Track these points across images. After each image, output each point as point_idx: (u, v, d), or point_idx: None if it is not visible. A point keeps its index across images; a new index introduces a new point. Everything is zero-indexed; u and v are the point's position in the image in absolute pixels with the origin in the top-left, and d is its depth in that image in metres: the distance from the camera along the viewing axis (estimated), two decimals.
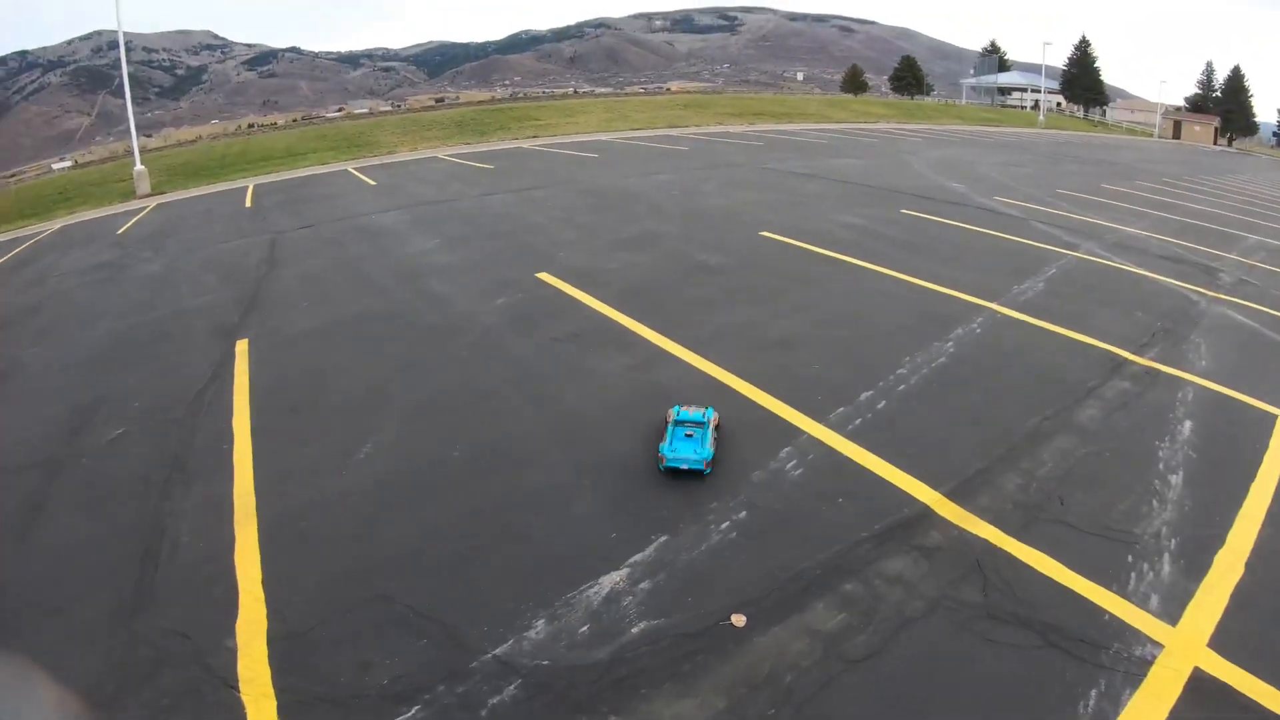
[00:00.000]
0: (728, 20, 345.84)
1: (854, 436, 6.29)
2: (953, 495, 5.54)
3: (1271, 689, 4.02)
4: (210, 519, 5.84)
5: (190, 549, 5.53)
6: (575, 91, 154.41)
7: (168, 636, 4.66)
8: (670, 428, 6.07)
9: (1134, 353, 8.47)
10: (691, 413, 6.19)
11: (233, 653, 4.44)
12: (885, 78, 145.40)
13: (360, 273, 12.32)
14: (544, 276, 10.81)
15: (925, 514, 5.31)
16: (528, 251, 12.43)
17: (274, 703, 4.10)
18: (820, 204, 16.78)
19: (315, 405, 7.55)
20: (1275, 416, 7.30)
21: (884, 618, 4.36)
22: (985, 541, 5.03)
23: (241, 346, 9.43)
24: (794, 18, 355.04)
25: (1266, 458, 6.46)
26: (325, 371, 8.41)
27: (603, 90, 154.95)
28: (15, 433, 8.36)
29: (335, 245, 14.73)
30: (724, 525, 5.10)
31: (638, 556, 4.84)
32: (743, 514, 5.22)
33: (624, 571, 4.72)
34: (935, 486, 5.62)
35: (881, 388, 7.18)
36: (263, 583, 5.00)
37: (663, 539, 4.99)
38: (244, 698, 4.15)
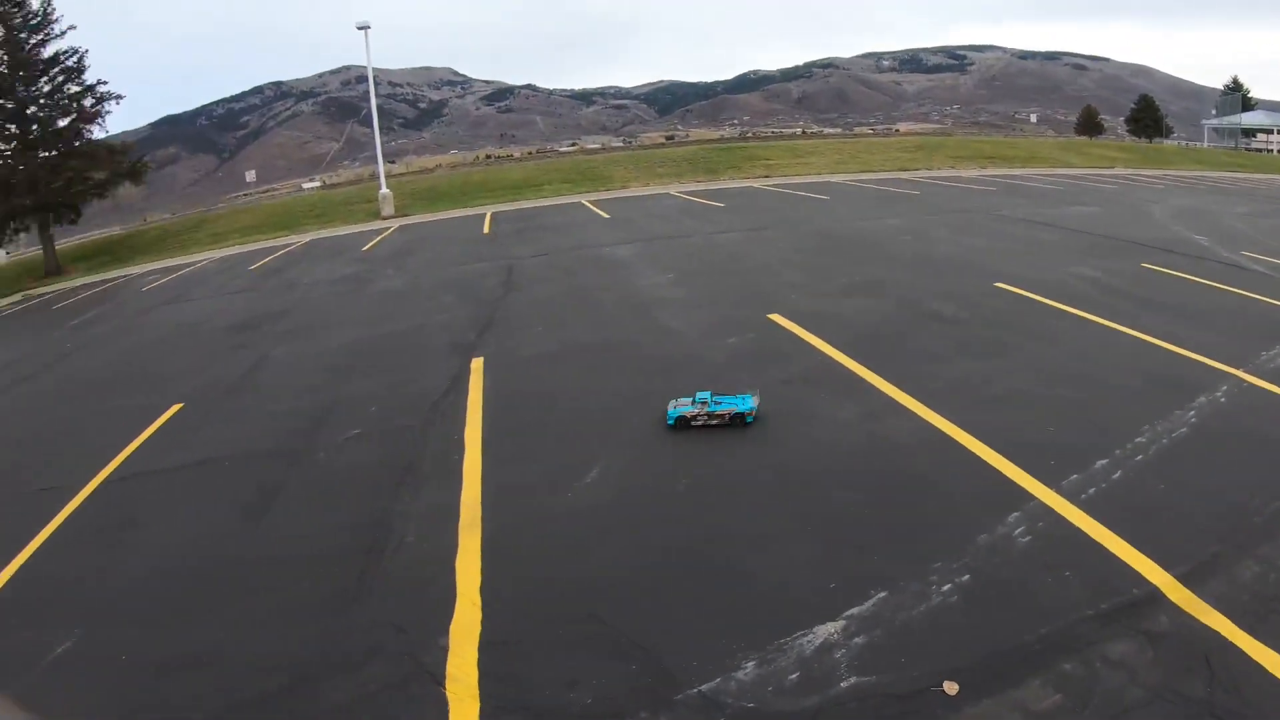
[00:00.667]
0: (956, 59, 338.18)
1: (1086, 507, 5.85)
2: (1186, 579, 5.00)
3: None
4: (436, 523, 6.08)
5: (414, 549, 5.77)
6: (804, 132, 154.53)
7: (383, 628, 4.87)
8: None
9: None
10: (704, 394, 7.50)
11: (444, 651, 4.58)
12: (1121, 119, 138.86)
13: (593, 302, 12.62)
14: (775, 317, 10.67)
15: (1155, 597, 4.83)
16: (759, 291, 12.35)
17: (478, 705, 4.17)
18: (1055, 254, 16.01)
19: (545, 426, 7.75)
20: None
21: (1101, 703, 3.98)
22: (1216, 633, 4.51)
23: (477, 364, 9.80)
24: (1024, 55, 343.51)
25: None
26: (556, 395, 8.63)
27: (831, 131, 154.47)
28: (260, 423, 9.01)
29: (569, 274, 15.13)
30: (945, 587, 4.83)
31: (855, 610, 4.63)
32: (965, 577, 4.93)
33: (840, 623, 4.52)
34: (1168, 568, 5.11)
35: (1117, 456, 6.69)
36: (480, 589, 5.15)
37: (882, 595, 4.76)
38: (449, 695, 4.26)
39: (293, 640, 4.92)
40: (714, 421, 7.22)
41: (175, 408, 10.09)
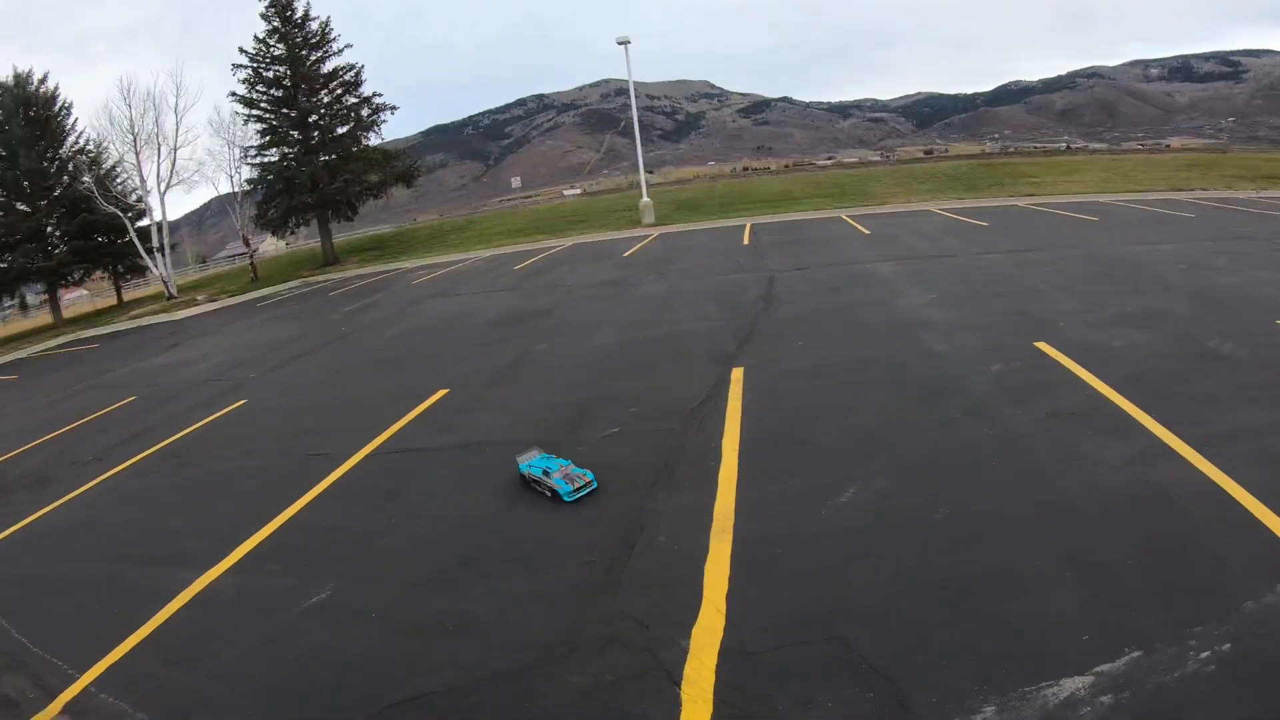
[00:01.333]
0: (1230, 66, 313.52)
1: None
2: None
3: None
4: (688, 527, 6.19)
5: (665, 550, 5.89)
6: (1068, 147, 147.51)
7: (626, 621, 5.03)
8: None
9: None
10: (562, 462, 7.38)
11: (684, 652, 4.68)
12: None
13: (854, 319, 12.44)
14: (1042, 346, 10.13)
15: None
16: (1025, 317, 11.76)
17: (710, 710, 4.24)
18: None
19: (803, 441, 7.71)
20: None
21: None
22: None
23: (737, 374, 9.90)
24: None
25: None
26: (815, 411, 8.56)
27: (1096, 146, 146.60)
28: (520, 413, 9.49)
29: (830, 289, 15.01)
30: (1204, 655, 4.39)
31: (1106, 666, 4.34)
32: (1226, 646, 4.51)
33: (1088, 679, 4.25)
34: None
35: None
36: (727, 596, 5.21)
37: (1136, 654, 4.42)
38: (683, 696, 4.35)
39: (535, 621, 5.16)
40: (545, 493, 7.12)
41: (441, 393, 10.72)
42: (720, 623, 4.91)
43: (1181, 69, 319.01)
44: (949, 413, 8.13)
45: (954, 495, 6.39)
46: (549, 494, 7.06)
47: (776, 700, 4.24)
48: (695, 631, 4.84)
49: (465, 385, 11.12)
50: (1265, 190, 38.35)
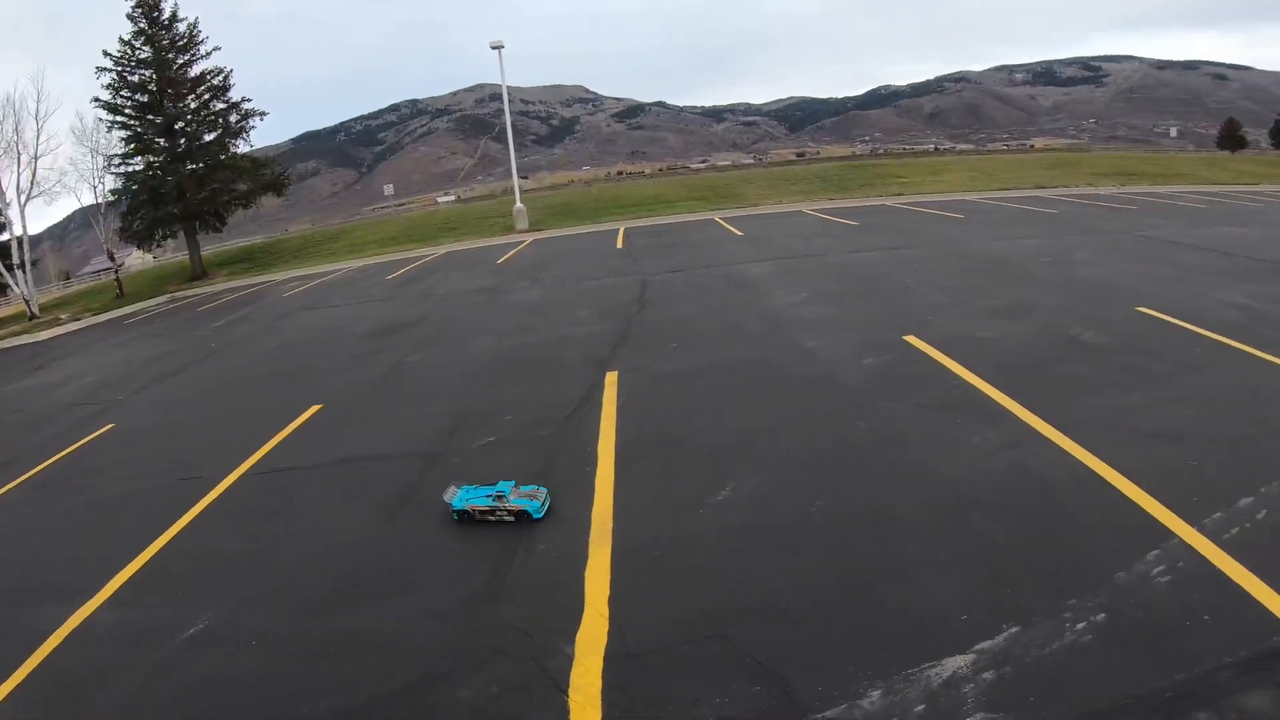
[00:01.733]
0: (1091, 71, 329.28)
1: (1229, 547, 5.51)
2: None
3: None
4: (567, 534, 6.15)
5: (544, 557, 5.87)
6: (936, 148, 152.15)
7: (511, 631, 4.99)
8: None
9: None
10: (506, 484, 6.83)
11: (569, 659, 4.64)
12: (1266, 131, 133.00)
13: (727, 320, 12.60)
14: (912, 340, 10.44)
15: None
16: (895, 312, 12.14)
17: (599, 714, 4.23)
18: (1203, 278, 15.30)
19: (679, 443, 7.75)
20: None
21: None
22: None
23: (611, 378, 9.93)
24: (1161, 66, 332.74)
25: None
26: (690, 412, 8.64)
27: (964, 147, 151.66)
28: (397, 426, 9.33)
29: (703, 291, 15.17)
30: (1079, 626, 4.61)
31: (986, 644, 4.48)
32: (1100, 616, 4.70)
33: (970, 657, 4.38)
34: None
35: (1264, 495, 6.29)
36: (609, 600, 5.20)
37: (1014, 630, 4.59)
38: (571, 703, 4.32)
39: (421, 637, 5.07)
40: (508, 517, 6.66)
41: (315, 408, 10.48)
42: (604, 627, 4.89)
43: (1045, 73, 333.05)
44: (822, 408, 8.32)
45: (831, 489, 6.52)
46: (511, 518, 6.65)
47: (664, 700, 4.25)
48: (579, 637, 4.81)
49: (340, 399, 10.89)
50: (1125, 186, 40.25)
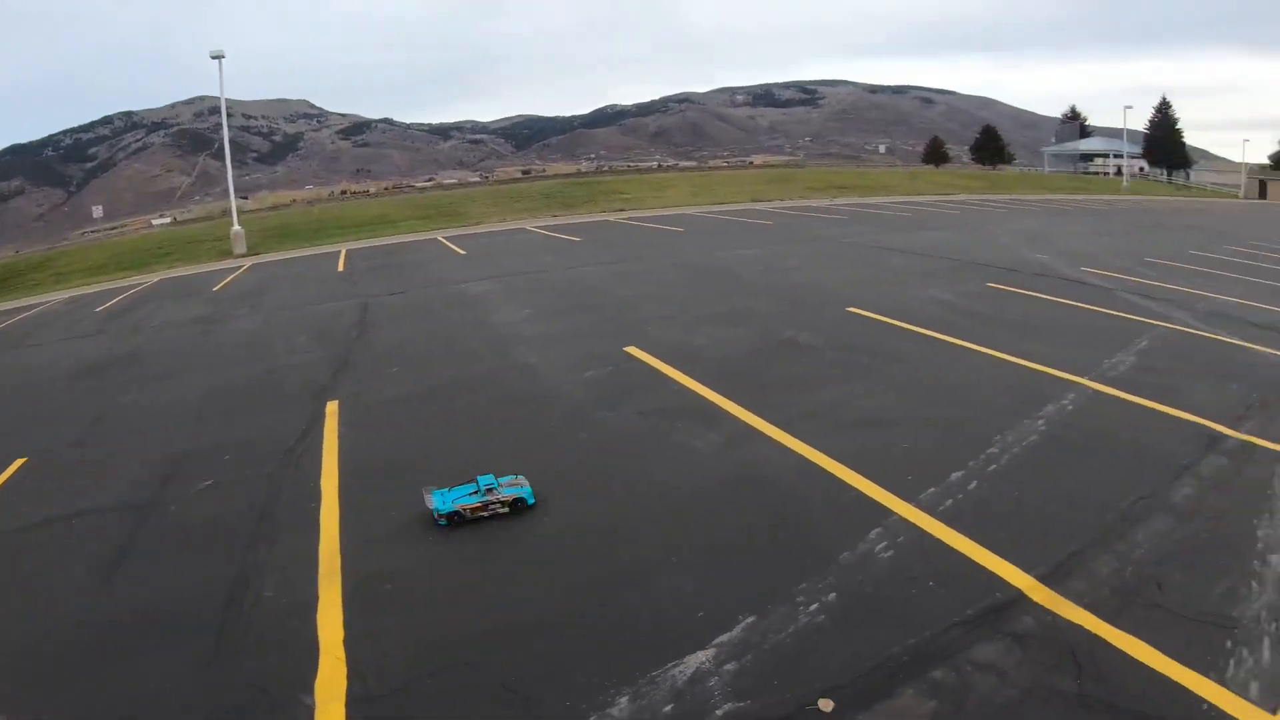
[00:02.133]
0: (808, 94, 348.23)
1: (945, 518, 6.10)
2: (1046, 579, 5.31)
3: None
4: (295, 575, 5.88)
5: (273, 603, 5.56)
6: (660, 166, 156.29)
7: (245, 688, 4.67)
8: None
9: (1230, 427, 8.18)
10: (486, 477, 6.60)
11: (310, 710, 4.40)
12: (966, 148, 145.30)
13: (451, 341, 12.48)
14: (633, 350, 10.75)
15: (1018, 599, 5.09)
16: (616, 325, 12.44)
17: None
18: (905, 279, 16.63)
19: (405, 471, 7.54)
20: None
21: (974, 706, 4.16)
22: (1080, 628, 4.80)
23: (332, 407, 9.57)
24: (873, 90, 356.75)
25: None
26: (415, 437, 8.48)
27: (686, 164, 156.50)
28: (110, 476, 8.57)
29: (426, 312, 14.95)
30: (812, 607, 4.93)
31: (724, 637, 4.68)
32: (831, 596, 5.04)
33: (710, 651, 4.56)
34: (1028, 570, 5.39)
35: (972, 468, 6.98)
36: (344, 642, 4.97)
37: (750, 620, 4.83)
38: None
39: (148, 708, 4.71)
40: (502, 509, 6.44)
41: (19, 462, 9.60)
42: (342, 671, 4.69)
43: (765, 95, 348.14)
44: (548, 423, 8.43)
45: (560, 502, 6.60)
46: (506, 509, 6.38)
47: None
48: (318, 685, 4.57)
49: (47, 450, 9.99)
50: (837, 199, 42.86)
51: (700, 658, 4.50)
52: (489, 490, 6.51)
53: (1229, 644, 4.71)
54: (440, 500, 6.46)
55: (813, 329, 11.81)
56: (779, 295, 14.51)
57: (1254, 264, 22.80)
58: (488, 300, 15.51)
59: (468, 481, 6.69)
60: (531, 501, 6.54)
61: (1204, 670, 4.45)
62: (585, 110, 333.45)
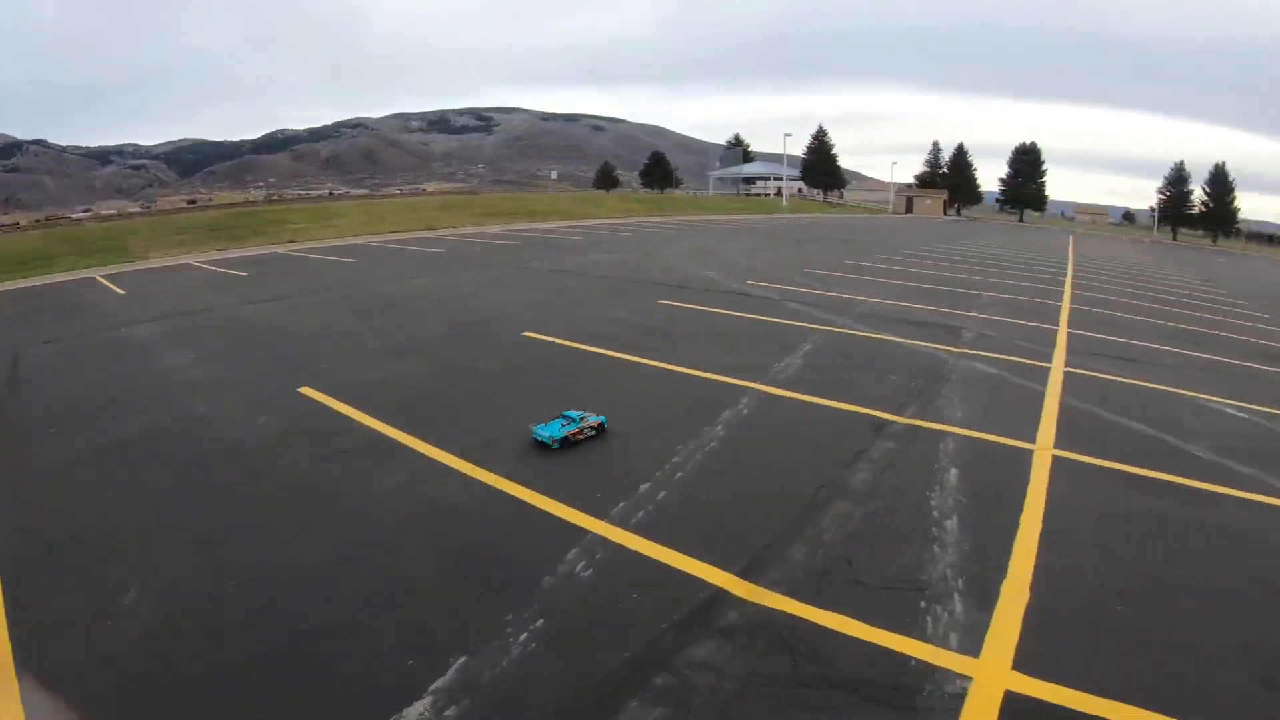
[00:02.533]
0: (483, 120, 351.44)
1: (638, 530, 6.27)
2: (744, 574, 5.60)
3: (1077, 693, 4.46)
4: None
5: None
6: (331, 194, 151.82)
7: None
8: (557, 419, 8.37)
9: (894, 413, 9.14)
10: (573, 411, 8.49)
11: None
12: (636, 173, 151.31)
13: (112, 394, 11.05)
14: (307, 391, 10.15)
15: (720, 596, 5.32)
16: (289, 364, 11.68)
17: None
18: (580, 300, 17.01)
19: (71, 547, 6.55)
20: (1030, 450, 8.28)
21: (700, 704, 4.30)
22: (784, 614, 5.12)
23: None
24: (547, 118, 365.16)
25: (1030, 489, 7.30)
26: (79, 506, 7.34)
27: (359, 192, 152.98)
28: None
29: (83, 363, 13.38)
30: (523, 636, 4.86)
31: (439, 682, 4.50)
32: (540, 622, 5.00)
33: (427, 700, 4.37)
34: (726, 568, 5.67)
35: (659, 478, 7.22)
36: None
37: (462, 660, 4.68)
38: None
39: None
40: (591, 432, 8.28)
41: None
42: None
43: (440, 122, 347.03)
44: (222, 477, 7.68)
45: (247, 561, 6.06)
46: (594, 432, 8.30)
47: None
48: None
49: None
50: (509, 224, 43.06)
51: (419, 709, 4.31)
52: (583, 419, 8.28)
53: (922, 604, 5.25)
54: (550, 432, 8.02)
55: (491, 355, 11.78)
56: (455, 323, 14.37)
57: (904, 270, 25.13)
58: (151, 345, 14.09)
59: (556, 418, 8.43)
60: (606, 426, 8.44)
61: (906, 631, 4.93)
62: (255, 134, 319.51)
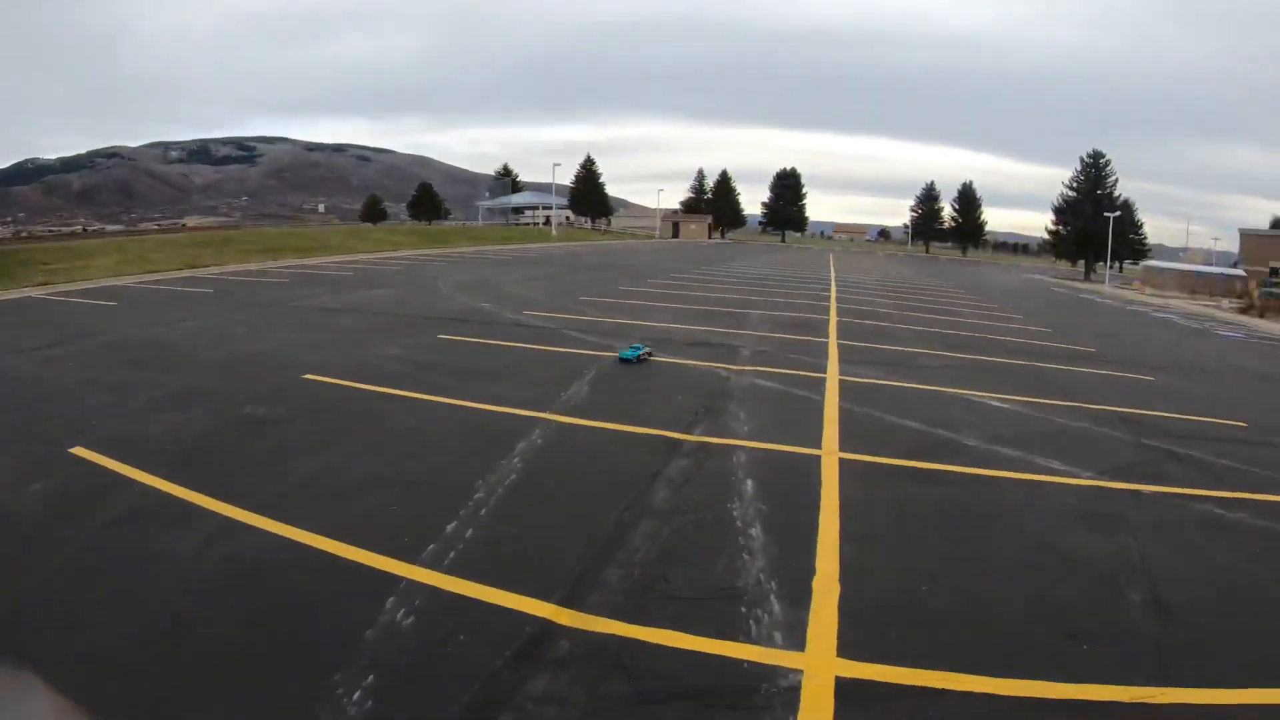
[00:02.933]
0: (246, 150, 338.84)
1: (453, 570, 6.17)
2: (566, 603, 5.63)
3: (901, 669, 4.89)
4: None
5: None
6: (85, 230, 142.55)
7: None
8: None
9: (685, 432, 9.47)
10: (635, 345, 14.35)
11: None
12: (404, 205, 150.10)
13: None
14: (81, 451, 9.12)
15: (547, 628, 5.31)
16: (57, 423, 10.49)
17: None
18: (359, 338, 16.59)
19: None
20: (818, 456, 8.88)
21: None
22: (613, 636, 5.18)
23: None
24: (312, 148, 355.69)
25: (823, 491, 7.81)
26: None
27: (115, 228, 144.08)
28: None
29: None
30: (356, 695, 4.61)
31: None
32: (370, 679, 4.77)
33: None
34: (547, 598, 5.68)
35: (464, 515, 7.12)
36: None
37: None
38: None
39: None
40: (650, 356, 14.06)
41: None
42: None
43: (201, 152, 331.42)
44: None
45: (33, 649, 5.27)
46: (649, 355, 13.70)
47: None
48: None
49: None
50: (277, 261, 41.69)
51: None
52: (646, 347, 13.84)
53: (743, 609, 5.48)
54: (628, 353, 13.83)
55: (273, 401, 11.21)
56: (231, 368, 13.60)
57: (677, 293, 25.73)
58: None
59: (635, 345, 14.09)
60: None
61: (733, 637, 5.13)
62: (2, 165, 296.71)
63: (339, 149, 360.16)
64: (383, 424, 10.09)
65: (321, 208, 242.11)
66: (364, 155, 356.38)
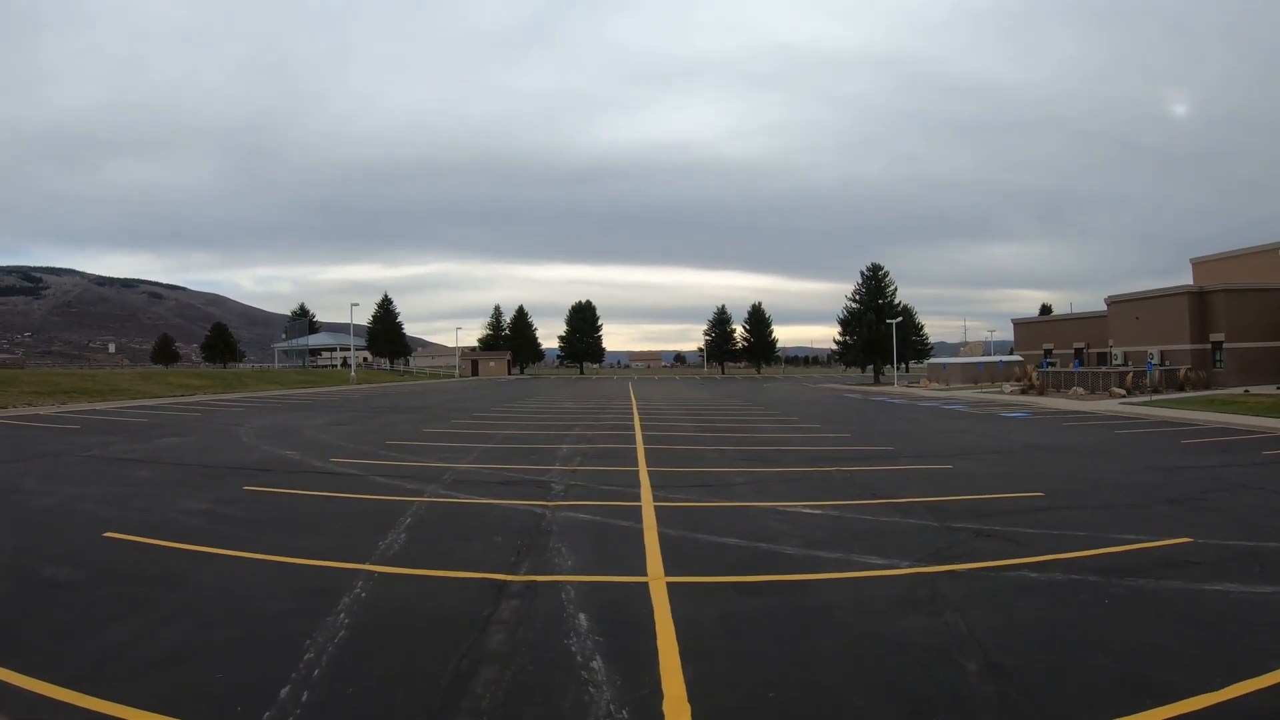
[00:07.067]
0: (31, 282, 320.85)
1: None
2: None
3: None
4: None
5: None
6: None
7: None
8: None
9: (510, 573, 9.30)
10: None
11: None
12: (197, 345, 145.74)
13: None
14: None
15: None
16: None
17: None
18: (159, 491, 15.48)
19: None
20: (646, 582, 8.88)
21: None
22: None
23: None
24: (102, 282, 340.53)
25: (656, 616, 7.78)
26: None
27: None
28: None
29: None
30: None
31: None
32: None
33: None
34: None
35: (296, 680, 6.54)
36: None
37: None
38: None
39: None
40: None
41: None
42: None
43: None
44: None
45: None
46: None
47: None
48: None
49: None
50: (65, 405, 39.30)
51: None
52: None
53: None
54: None
55: (70, 563, 10.04)
56: (24, 527, 12.30)
57: (482, 432, 25.56)
58: None
59: None
60: None
61: None
62: None
63: (129, 284, 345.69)
64: (197, 585, 9.18)
65: (112, 347, 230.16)
66: (156, 292, 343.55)
